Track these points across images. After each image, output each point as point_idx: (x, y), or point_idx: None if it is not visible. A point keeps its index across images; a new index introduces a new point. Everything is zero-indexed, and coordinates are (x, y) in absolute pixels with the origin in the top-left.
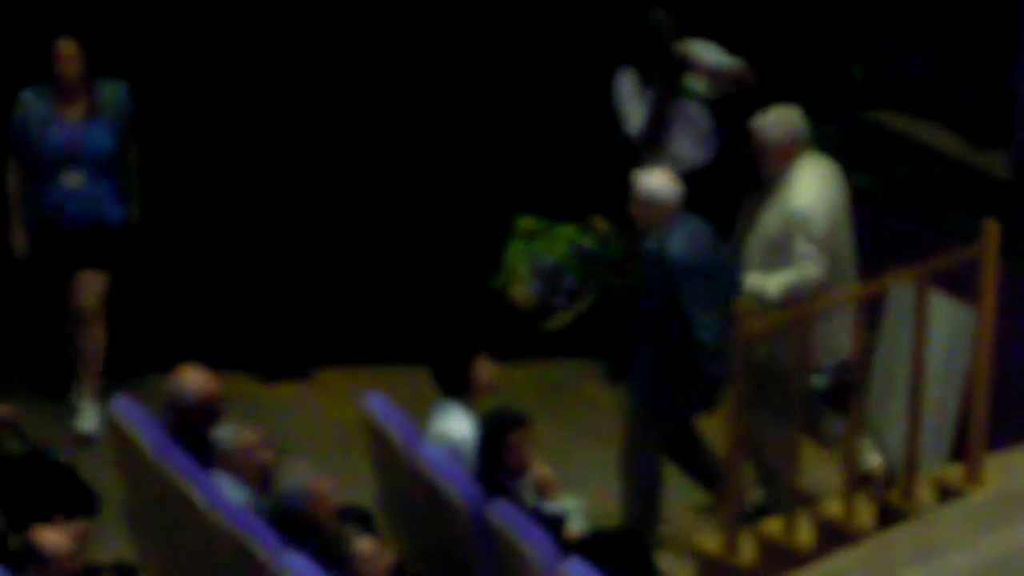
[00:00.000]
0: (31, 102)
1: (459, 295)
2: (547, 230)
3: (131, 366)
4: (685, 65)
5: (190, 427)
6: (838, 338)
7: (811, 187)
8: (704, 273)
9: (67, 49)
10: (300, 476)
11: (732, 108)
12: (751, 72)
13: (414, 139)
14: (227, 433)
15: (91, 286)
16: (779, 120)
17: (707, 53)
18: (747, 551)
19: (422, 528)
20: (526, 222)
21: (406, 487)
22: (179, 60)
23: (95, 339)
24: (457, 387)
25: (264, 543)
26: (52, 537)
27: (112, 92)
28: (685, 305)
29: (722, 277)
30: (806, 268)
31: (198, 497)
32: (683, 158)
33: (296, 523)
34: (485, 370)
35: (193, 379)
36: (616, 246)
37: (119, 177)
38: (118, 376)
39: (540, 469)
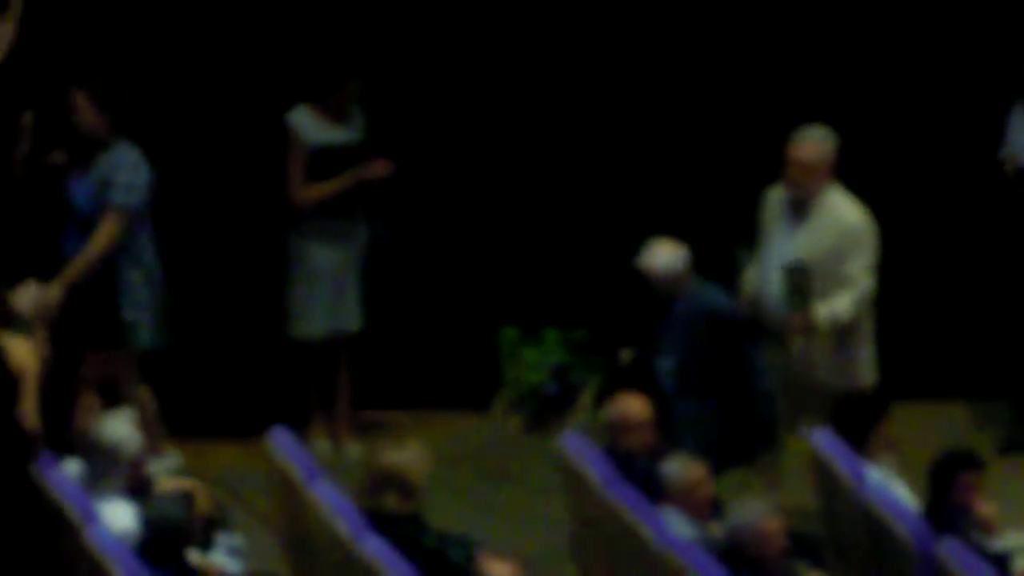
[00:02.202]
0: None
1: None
2: (533, 337)
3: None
4: None
5: (636, 458)
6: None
7: (854, 204)
8: (748, 324)
9: (77, 99)
10: (751, 512)
11: None
12: None
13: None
14: (675, 467)
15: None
16: (821, 139)
17: None
18: None
19: (866, 563)
20: (510, 333)
21: (851, 521)
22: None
23: None
24: (860, 440)
25: None
26: (501, 568)
27: (120, 155)
28: (743, 357)
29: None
30: (865, 281)
31: (647, 532)
32: None
33: (744, 559)
34: (889, 430)
35: (629, 405)
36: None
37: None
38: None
39: (984, 508)
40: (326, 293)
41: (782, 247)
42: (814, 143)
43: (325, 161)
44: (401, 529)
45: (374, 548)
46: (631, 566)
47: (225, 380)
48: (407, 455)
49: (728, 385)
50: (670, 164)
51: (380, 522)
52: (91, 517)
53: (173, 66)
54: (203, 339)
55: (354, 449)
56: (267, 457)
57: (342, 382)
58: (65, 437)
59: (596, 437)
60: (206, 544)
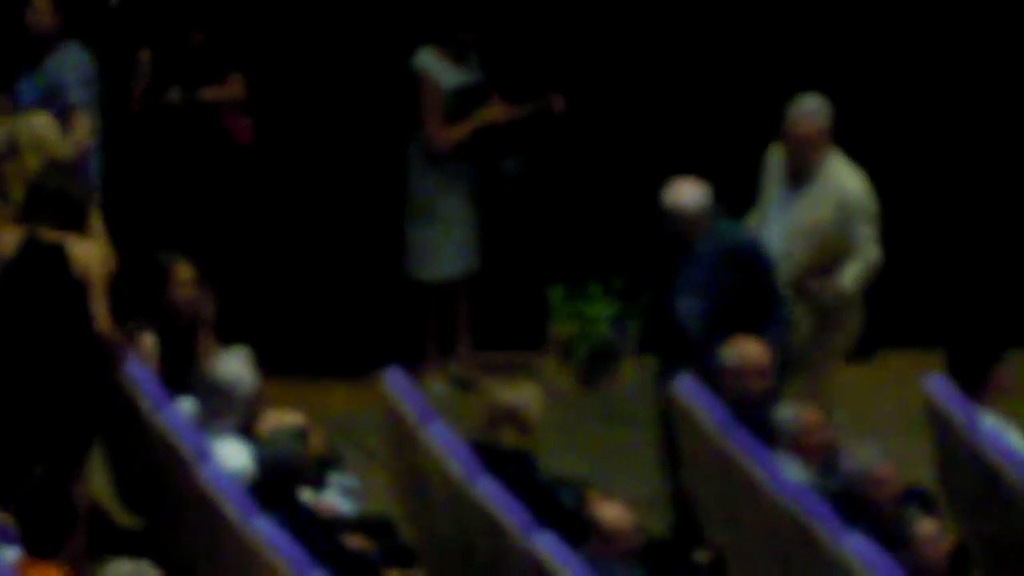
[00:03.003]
0: None
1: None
2: (580, 291)
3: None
4: None
5: (750, 403)
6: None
7: (854, 172)
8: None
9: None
10: (864, 458)
11: None
12: None
13: None
14: (789, 413)
15: None
16: (817, 109)
17: None
18: None
19: (982, 511)
20: (557, 292)
21: (966, 469)
22: None
23: None
24: (975, 386)
25: (826, 524)
26: (613, 511)
27: (68, 55)
28: (768, 288)
29: None
30: (871, 251)
31: (760, 477)
32: None
33: (857, 505)
34: (1007, 372)
35: (750, 349)
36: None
37: None
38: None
39: None
40: (456, 235)
41: (782, 214)
42: (809, 116)
43: (454, 103)
44: (515, 467)
45: (487, 489)
46: (743, 509)
47: (339, 320)
48: (524, 392)
49: (753, 321)
50: (673, 116)
51: (494, 459)
52: (204, 455)
53: (294, 6)
54: (316, 279)
55: (471, 388)
56: (380, 397)
57: (462, 322)
58: (185, 377)
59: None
60: (319, 484)
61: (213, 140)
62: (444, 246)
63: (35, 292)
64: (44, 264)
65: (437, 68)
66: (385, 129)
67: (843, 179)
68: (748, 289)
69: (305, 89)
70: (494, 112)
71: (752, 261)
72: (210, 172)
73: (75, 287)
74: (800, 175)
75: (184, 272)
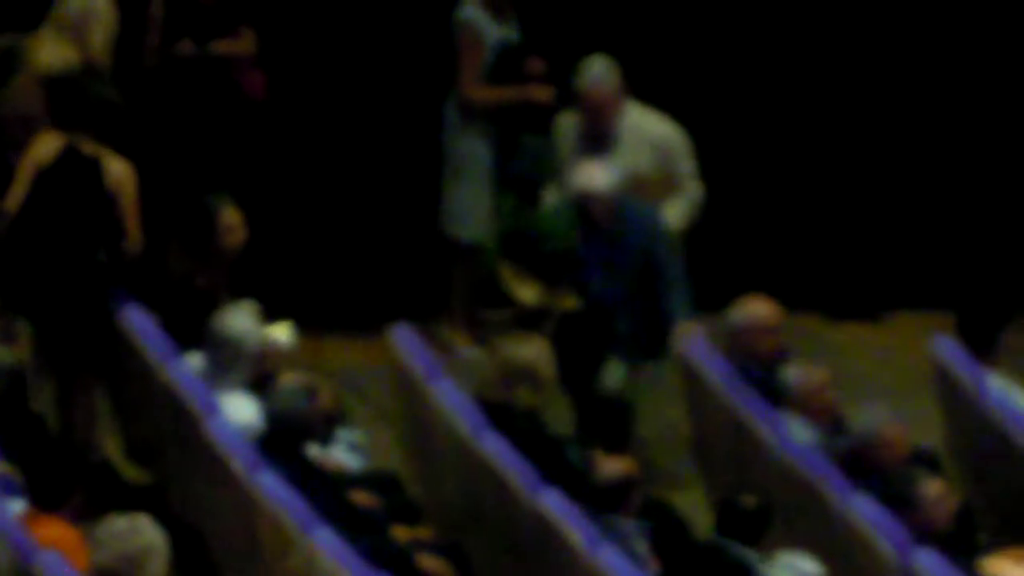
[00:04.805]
0: None
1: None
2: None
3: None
4: None
5: (757, 363)
6: None
7: (656, 116)
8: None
9: None
10: (872, 419)
11: None
12: None
13: None
14: (796, 373)
15: None
16: (608, 71)
17: None
18: None
19: (989, 473)
20: (507, 201)
21: (973, 431)
22: None
23: None
24: (983, 348)
25: (832, 484)
26: (615, 464)
27: None
28: (670, 276)
29: None
30: (694, 189)
31: (767, 436)
32: None
33: (864, 466)
34: (1010, 338)
35: (756, 308)
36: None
37: None
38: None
39: None
40: (488, 197)
41: None
42: (601, 79)
43: (493, 58)
44: (524, 423)
45: (493, 446)
46: (751, 469)
47: (348, 275)
48: (536, 349)
49: (656, 296)
50: None
51: (502, 416)
52: (212, 409)
53: None
54: (325, 234)
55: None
56: (388, 353)
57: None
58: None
59: None
60: (326, 439)
61: (225, 93)
62: (478, 207)
63: (68, 201)
64: (81, 175)
65: (482, 21)
66: (403, 84)
67: (649, 125)
68: (656, 265)
69: (316, 46)
70: (536, 91)
71: (663, 239)
72: (222, 125)
73: (107, 201)
74: (603, 137)
75: (232, 216)
